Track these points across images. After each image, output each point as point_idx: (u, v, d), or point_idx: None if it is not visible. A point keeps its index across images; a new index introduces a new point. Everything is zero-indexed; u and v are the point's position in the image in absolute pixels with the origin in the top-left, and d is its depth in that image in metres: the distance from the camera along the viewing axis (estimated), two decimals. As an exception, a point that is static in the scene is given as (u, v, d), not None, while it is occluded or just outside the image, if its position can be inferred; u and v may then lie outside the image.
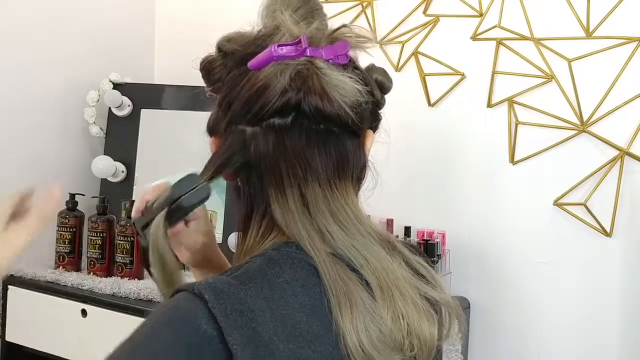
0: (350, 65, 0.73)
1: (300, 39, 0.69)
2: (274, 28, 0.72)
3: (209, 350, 0.60)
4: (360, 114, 0.71)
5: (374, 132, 0.78)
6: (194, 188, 0.70)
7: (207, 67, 0.76)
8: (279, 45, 0.69)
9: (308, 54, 0.69)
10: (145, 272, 1.78)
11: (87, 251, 1.82)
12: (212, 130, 0.75)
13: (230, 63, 0.73)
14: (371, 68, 0.77)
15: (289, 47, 0.69)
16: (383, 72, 0.77)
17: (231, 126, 0.71)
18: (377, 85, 0.76)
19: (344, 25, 0.74)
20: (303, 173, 0.68)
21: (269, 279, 0.65)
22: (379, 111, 0.77)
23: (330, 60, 0.70)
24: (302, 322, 0.63)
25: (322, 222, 0.68)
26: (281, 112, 0.68)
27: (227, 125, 0.72)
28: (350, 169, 0.72)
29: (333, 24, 0.75)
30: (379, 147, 0.80)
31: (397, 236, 1.82)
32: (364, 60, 0.78)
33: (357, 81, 0.70)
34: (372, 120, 0.76)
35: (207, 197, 0.72)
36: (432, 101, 1.87)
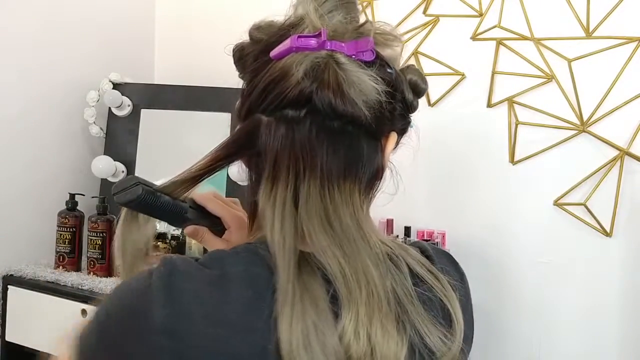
0: (377, 63, 0.70)
1: (320, 32, 0.68)
2: (299, 19, 0.71)
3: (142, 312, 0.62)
4: (379, 115, 0.68)
5: (401, 136, 0.75)
6: (125, 189, 0.73)
7: (238, 54, 0.75)
8: (298, 37, 0.68)
9: (328, 47, 0.67)
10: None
11: (87, 251, 1.82)
12: (238, 116, 0.74)
13: (256, 51, 0.72)
14: (406, 68, 0.74)
15: (308, 38, 0.68)
16: (418, 73, 0.75)
17: (249, 114, 0.71)
18: (410, 86, 0.73)
19: (369, 21, 0.72)
20: (304, 169, 0.67)
21: (223, 268, 0.65)
22: (410, 115, 0.75)
23: (353, 56, 0.68)
24: (238, 313, 0.63)
25: (306, 222, 0.66)
26: (295, 103, 0.67)
27: (247, 113, 0.71)
28: (361, 171, 0.69)
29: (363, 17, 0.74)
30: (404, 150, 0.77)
31: (397, 236, 1.82)
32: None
33: (378, 80, 0.68)
34: (400, 122, 0.73)
35: (137, 198, 0.73)
36: (432, 101, 1.87)
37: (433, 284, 0.70)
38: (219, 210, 0.84)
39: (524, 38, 1.75)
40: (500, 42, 1.78)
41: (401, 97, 0.72)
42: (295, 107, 0.67)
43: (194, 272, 0.64)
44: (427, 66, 1.87)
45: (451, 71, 1.84)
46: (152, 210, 0.75)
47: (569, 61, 1.70)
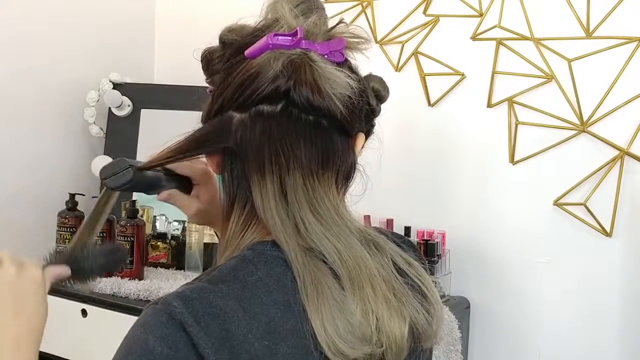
0: (346, 65, 0.73)
1: (296, 30, 0.70)
2: (273, 20, 0.73)
3: None
4: (351, 110, 0.71)
5: (367, 137, 0.78)
6: (117, 172, 0.80)
7: (207, 58, 0.77)
8: (275, 35, 0.70)
9: (303, 46, 0.70)
10: (145, 272, 1.78)
11: (87, 251, 1.81)
12: (205, 120, 0.76)
13: (228, 53, 0.74)
14: (369, 76, 0.77)
15: (285, 37, 0.70)
16: (380, 81, 0.78)
17: (221, 112, 0.72)
18: (373, 93, 0.76)
19: (341, 22, 0.74)
20: (286, 161, 0.69)
21: (242, 278, 0.66)
22: (374, 119, 0.78)
23: (326, 56, 0.71)
24: (277, 318, 0.64)
25: (297, 211, 0.68)
26: (271, 98, 0.69)
27: (217, 112, 0.73)
28: (336, 164, 0.72)
29: (331, 22, 0.76)
30: (376, 150, 0.80)
31: (397, 236, 1.82)
32: (363, 62, 0.78)
33: (350, 77, 0.71)
34: (366, 124, 0.76)
35: (129, 181, 0.79)
36: (432, 101, 1.87)
37: (409, 269, 0.73)
38: (186, 170, 0.89)
39: (524, 38, 1.75)
40: (500, 42, 1.78)
41: (367, 100, 0.74)
42: (271, 102, 0.69)
43: (207, 296, 0.63)
44: (427, 66, 1.87)
45: (451, 71, 1.84)
46: (137, 187, 0.82)
47: (569, 61, 1.70)
